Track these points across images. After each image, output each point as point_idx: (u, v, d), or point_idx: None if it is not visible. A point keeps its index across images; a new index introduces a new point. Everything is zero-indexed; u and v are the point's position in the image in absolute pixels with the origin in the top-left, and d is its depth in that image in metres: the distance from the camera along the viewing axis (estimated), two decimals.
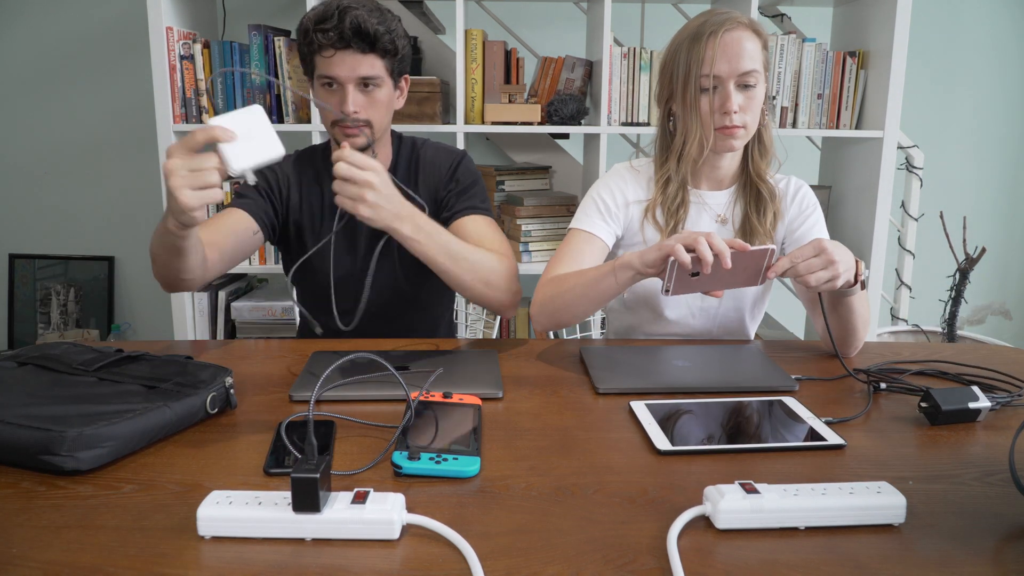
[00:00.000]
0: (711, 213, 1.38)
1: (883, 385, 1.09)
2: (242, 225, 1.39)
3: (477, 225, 1.43)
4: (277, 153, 0.95)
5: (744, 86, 1.24)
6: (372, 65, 1.33)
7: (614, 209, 1.38)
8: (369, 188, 1.12)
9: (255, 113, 0.96)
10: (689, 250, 1.04)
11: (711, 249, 1.03)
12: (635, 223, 1.39)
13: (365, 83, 1.34)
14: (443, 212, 1.46)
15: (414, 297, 1.50)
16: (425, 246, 1.23)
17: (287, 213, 1.49)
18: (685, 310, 1.40)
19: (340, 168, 1.11)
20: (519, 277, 1.37)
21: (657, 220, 1.36)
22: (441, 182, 1.48)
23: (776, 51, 2.31)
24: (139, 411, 0.86)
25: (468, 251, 1.30)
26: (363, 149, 1.34)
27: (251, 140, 0.94)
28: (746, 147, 1.35)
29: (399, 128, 2.28)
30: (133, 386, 0.94)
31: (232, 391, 0.98)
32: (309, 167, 1.50)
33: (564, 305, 1.24)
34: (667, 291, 1.07)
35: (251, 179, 0.96)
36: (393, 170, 1.49)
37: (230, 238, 1.35)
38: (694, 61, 1.24)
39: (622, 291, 1.18)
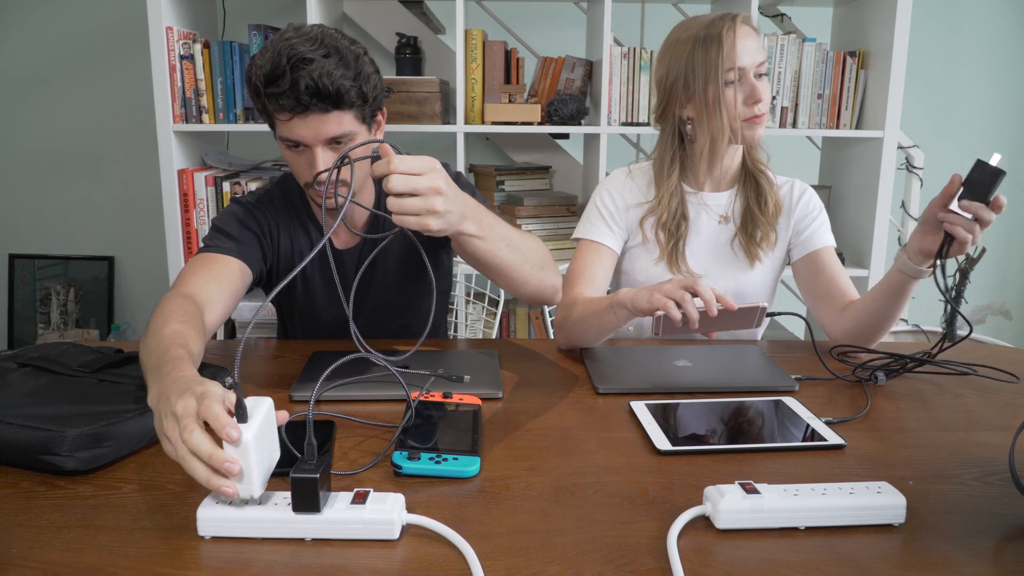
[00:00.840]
0: (712, 214, 1.39)
1: (880, 376, 1.09)
2: (242, 280, 1.22)
3: None
4: (277, 454, 0.74)
5: (759, 75, 1.27)
6: (339, 122, 1.13)
7: (616, 214, 1.40)
8: (436, 195, 0.90)
9: (268, 413, 0.72)
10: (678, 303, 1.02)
11: (701, 295, 1.00)
12: (635, 225, 1.40)
13: (335, 142, 1.15)
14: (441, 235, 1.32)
15: (406, 301, 1.42)
16: (489, 241, 1.04)
17: (276, 257, 1.34)
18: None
19: (396, 183, 0.87)
20: None
21: (658, 236, 1.37)
22: None
23: (776, 51, 2.32)
24: (139, 411, 0.86)
25: (518, 236, 1.12)
26: (341, 207, 1.05)
27: (262, 454, 0.70)
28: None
29: (392, 128, 2.30)
30: (132, 387, 0.94)
31: (231, 390, 0.98)
32: (292, 209, 1.34)
33: (579, 334, 1.25)
34: (657, 334, 1.06)
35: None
36: (378, 205, 1.35)
37: (227, 293, 1.17)
38: (713, 59, 1.25)
39: (624, 324, 1.16)
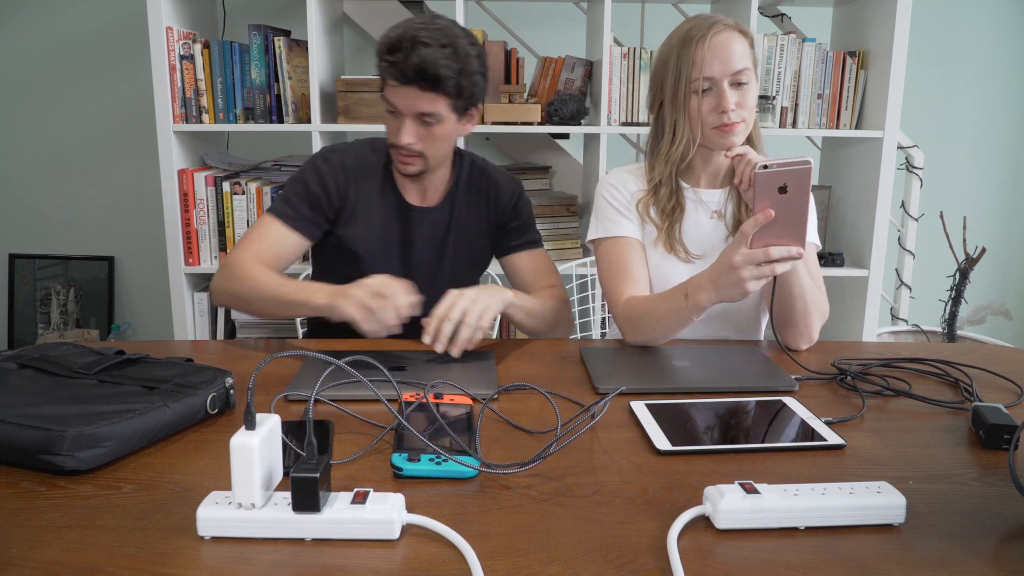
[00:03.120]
0: (707, 210, 1.40)
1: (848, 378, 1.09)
2: (298, 251, 1.43)
3: (536, 261, 1.53)
4: (280, 472, 0.73)
5: (737, 84, 1.27)
6: (433, 103, 1.31)
7: (627, 204, 1.39)
8: (475, 316, 1.17)
9: (275, 428, 0.72)
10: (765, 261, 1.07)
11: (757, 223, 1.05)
12: (642, 213, 1.40)
13: (424, 118, 1.32)
14: (502, 242, 1.54)
15: (464, 276, 1.57)
16: (519, 320, 1.35)
17: (340, 209, 1.45)
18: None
19: (444, 333, 1.15)
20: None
21: (651, 215, 1.38)
22: (505, 213, 1.52)
23: (776, 51, 2.31)
24: (139, 411, 0.86)
25: (537, 304, 1.39)
26: (414, 175, 1.42)
27: (265, 463, 0.69)
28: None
29: None
30: (133, 387, 0.94)
31: (232, 391, 0.98)
32: (371, 177, 1.46)
33: (654, 334, 1.27)
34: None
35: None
36: (454, 190, 1.50)
37: (283, 264, 1.41)
38: (684, 65, 1.27)
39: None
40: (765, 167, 1.03)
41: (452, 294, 1.18)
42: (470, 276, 1.57)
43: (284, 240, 1.40)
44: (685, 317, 1.18)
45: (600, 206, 1.42)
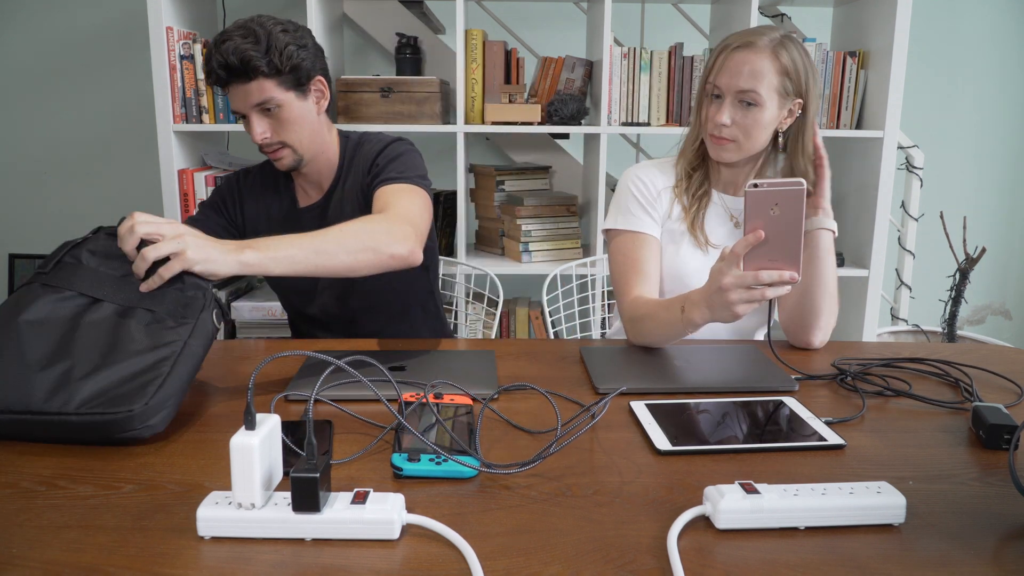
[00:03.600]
0: (726, 214, 1.41)
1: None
2: None
3: (384, 193, 1.34)
4: (279, 474, 0.74)
5: (743, 103, 1.26)
6: (261, 90, 1.32)
7: (652, 200, 1.39)
8: (178, 240, 0.98)
9: (275, 428, 0.72)
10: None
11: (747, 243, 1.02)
12: (667, 209, 1.40)
13: (264, 107, 1.34)
14: (369, 198, 1.39)
15: (370, 304, 1.52)
16: (280, 263, 1.07)
17: (243, 222, 1.52)
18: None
19: (147, 254, 0.97)
20: (419, 227, 1.28)
21: (683, 200, 1.39)
22: (368, 172, 1.43)
23: None
24: (172, 358, 0.92)
25: (328, 237, 1.14)
26: (293, 169, 1.43)
27: (265, 463, 0.70)
28: (788, 161, 1.33)
29: (393, 128, 2.30)
30: (146, 317, 0.96)
31: (220, 304, 1.03)
32: (274, 174, 1.52)
33: (652, 338, 1.26)
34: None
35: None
36: (341, 177, 1.48)
37: None
38: (706, 70, 1.31)
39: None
40: (755, 186, 1.00)
41: (171, 231, 1.00)
42: None
43: None
44: (680, 330, 1.17)
45: (623, 197, 1.40)
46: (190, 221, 1.46)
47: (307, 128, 1.39)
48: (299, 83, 1.36)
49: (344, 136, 1.50)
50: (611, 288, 1.43)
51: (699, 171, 1.40)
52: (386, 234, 1.19)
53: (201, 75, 2.22)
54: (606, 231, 1.42)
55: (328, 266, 1.12)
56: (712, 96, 1.29)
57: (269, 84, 1.32)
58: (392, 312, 1.54)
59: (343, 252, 1.13)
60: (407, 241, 1.20)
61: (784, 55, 1.25)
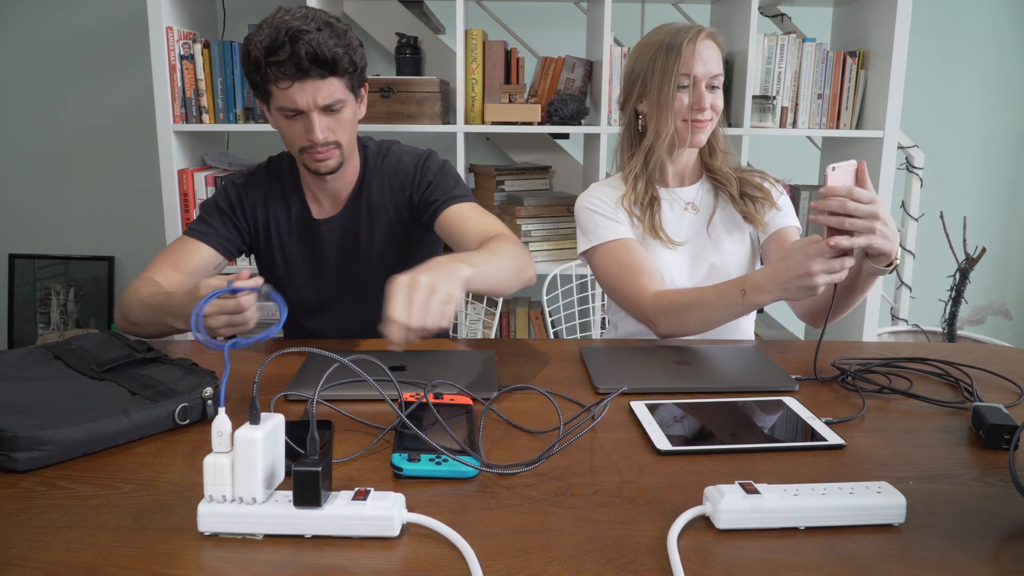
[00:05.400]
0: (681, 203, 1.47)
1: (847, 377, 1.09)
2: (208, 264, 1.38)
3: (465, 213, 1.37)
4: (282, 472, 0.74)
5: (712, 87, 1.38)
6: (333, 89, 1.27)
7: (613, 210, 1.44)
8: (434, 317, 0.97)
9: (279, 426, 0.73)
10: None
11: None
12: (628, 217, 1.45)
13: (329, 107, 1.28)
14: (423, 215, 1.42)
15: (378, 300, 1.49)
16: (479, 279, 1.11)
17: (254, 231, 1.46)
18: None
19: (407, 339, 0.97)
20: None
21: (633, 211, 1.44)
22: (411, 186, 1.42)
23: (776, 51, 2.32)
24: (93, 416, 0.85)
25: (502, 259, 1.19)
26: (334, 171, 1.36)
27: (268, 459, 0.71)
28: (706, 146, 1.46)
29: (393, 128, 2.30)
30: (121, 389, 0.93)
31: (210, 402, 0.95)
32: (277, 182, 1.46)
33: (698, 322, 1.30)
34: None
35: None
36: (362, 182, 1.44)
37: (191, 280, 1.31)
38: (672, 63, 1.35)
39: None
40: (834, 168, 1.10)
41: (402, 285, 0.96)
42: (400, 268, 1.48)
43: (192, 252, 1.37)
44: (737, 313, 1.25)
45: (586, 219, 1.45)
46: (197, 226, 1.41)
47: (354, 131, 1.38)
48: (359, 85, 1.35)
49: (361, 144, 1.47)
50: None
51: (640, 179, 1.44)
52: (528, 258, 1.28)
53: (201, 75, 2.22)
54: (583, 254, 1.46)
55: (504, 287, 1.20)
56: (679, 87, 1.36)
57: (340, 83, 1.28)
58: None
59: (513, 275, 1.22)
60: (533, 264, 1.30)
61: (721, 41, 1.40)
